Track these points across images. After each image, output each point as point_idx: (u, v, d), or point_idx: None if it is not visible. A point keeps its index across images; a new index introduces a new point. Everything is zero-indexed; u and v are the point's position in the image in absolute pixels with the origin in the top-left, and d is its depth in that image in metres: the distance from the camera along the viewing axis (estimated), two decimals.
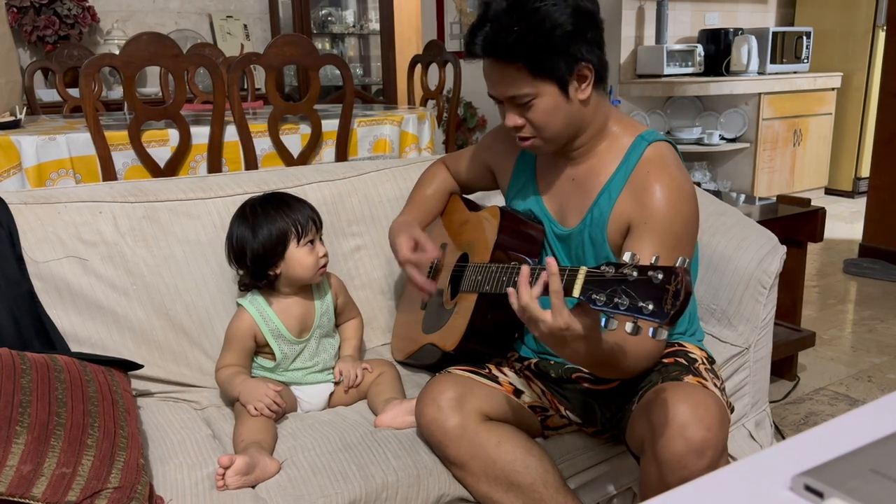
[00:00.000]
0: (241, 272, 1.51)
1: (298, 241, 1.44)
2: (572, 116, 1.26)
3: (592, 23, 1.22)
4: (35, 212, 1.49)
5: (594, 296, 0.94)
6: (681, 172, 1.27)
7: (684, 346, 1.36)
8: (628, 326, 0.91)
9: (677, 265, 0.87)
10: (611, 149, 1.31)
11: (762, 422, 1.73)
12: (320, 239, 1.49)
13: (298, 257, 1.45)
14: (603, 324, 0.94)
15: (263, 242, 1.44)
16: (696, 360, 1.31)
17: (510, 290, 1.08)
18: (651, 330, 0.89)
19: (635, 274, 0.90)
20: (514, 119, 1.27)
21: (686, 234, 1.24)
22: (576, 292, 0.97)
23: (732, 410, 1.52)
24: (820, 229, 2.38)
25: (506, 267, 1.25)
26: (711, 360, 1.37)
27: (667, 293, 0.86)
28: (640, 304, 0.88)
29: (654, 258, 0.92)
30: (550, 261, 1.02)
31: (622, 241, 1.27)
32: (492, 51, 1.23)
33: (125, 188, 1.61)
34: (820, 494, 0.53)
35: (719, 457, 1.13)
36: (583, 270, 0.97)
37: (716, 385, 1.26)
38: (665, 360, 1.31)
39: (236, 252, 1.47)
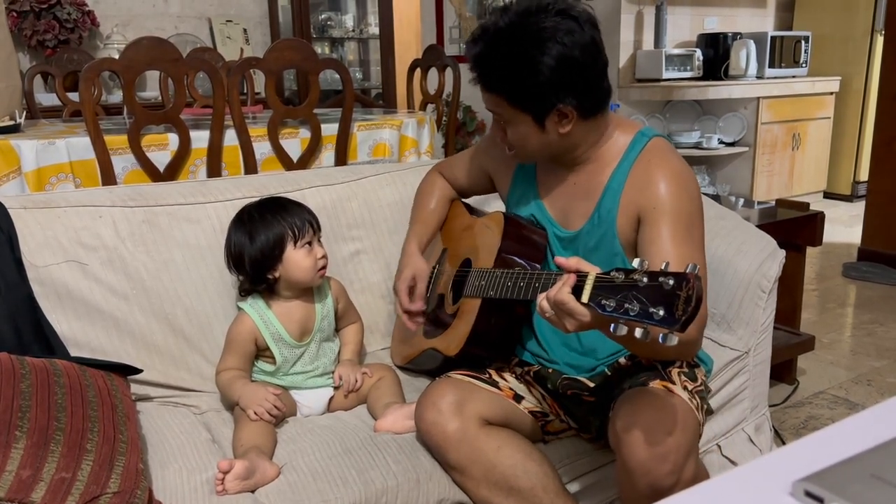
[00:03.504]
0: (240, 278, 1.51)
1: (295, 243, 1.45)
2: (549, 144, 1.30)
3: (579, 72, 1.22)
4: (35, 216, 1.49)
5: (604, 301, 0.94)
6: (680, 161, 1.30)
7: None
8: (638, 332, 0.90)
9: (688, 271, 0.87)
10: (612, 149, 1.33)
11: (762, 426, 1.73)
12: (318, 241, 1.50)
13: (296, 260, 1.45)
14: (612, 329, 0.93)
15: (261, 247, 1.44)
16: (673, 363, 1.32)
17: (540, 295, 1.06)
18: (661, 336, 0.89)
19: (645, 280, 0.90)
20: (496, 130, 1.35)
21: (696, 211, 1.26)
22: (585, 298, 0.97)
23: (710, 413, 1.52)
24: (819, 233, 2.38)
25: (511, 273, 1.25)
26: (694, 364, 1.37)
27: (678, 299, 0.86)
28: (651, 309, 0.88)
29: (664, 264, 0.91)
30: (558, 260, 1.04)
31: (633, 233, 1.28)
32: (477, 72, 1.28)
33: (125, 192, 1.61)
34: (820, 500, 0.53)
35: (684, 461, 1.14)
36: (592, 276, 0.97)
37: (686, 388, 1.26)
38: (644, 363, 1.32)
39: (235, 258, 1.48)
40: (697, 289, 0.86)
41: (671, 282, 0.87)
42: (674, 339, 0.88)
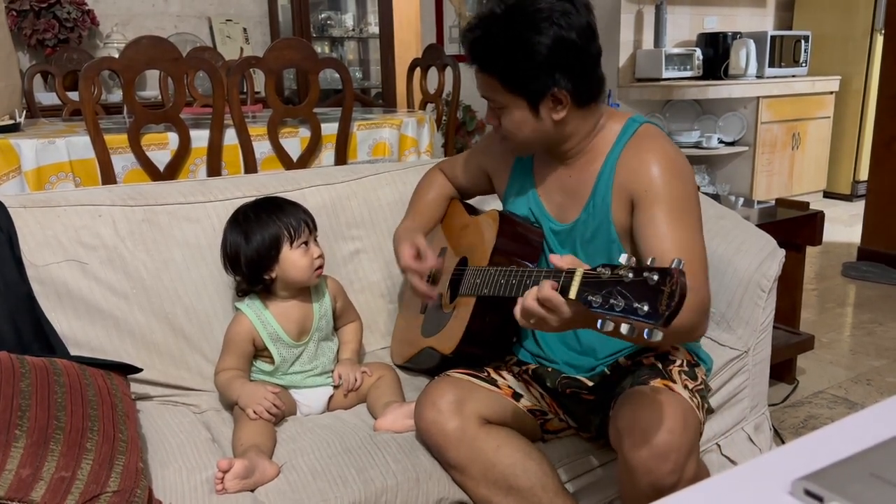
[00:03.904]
0: (237, 278, 1.51)
1: (291, 243, 1.45)
2: (543, 132, 1.30)
3: (575, 54, 1.22)
4: (34, 215, 1.49)
5: (590, 297, 0.93)
6: (671, 144, 1.29)
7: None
8: (624, 328, 0.90)
9: (673, 266, 0.87)
10: (605, 138, 1.33)
11: (761, 425, 1.73)
12: (315, 240, 1.49)
13: (293, 259, 1.45)
14: (599, 325, 0.93)
15: (257, 248, 1.44)
16: (673, 362, 1.32)
17: (520, 299, 1.06)
18: (646, 332, 0.89)
19: (631, 275, 0.90)
20: (490, 118, 1.34)
21: (689, 195, 1.25)
22: (572, 294, 0.97)
23: (711, 412, 1.52)
24: (819, 233, 2.38)
25: (504, 270, 1.25)
26: (695, 363, 1.37)
27: (661, 294, 0.86)
28: (636, 305, 0.88)
29: (650, 259, 0.91)
30: (553, 258, 1.04)
31: (628, 219, 1.28)
32: (473, 55, 1.28)
33: (125, 191, 1.61)
34: (820, 499, 0.53)
35: (685, 459, 1.14)
36: (579, 272, 0.97)
37: (687, 387, 1.26)
38: (644, 362, 1.32)
39: (231, 259, 1.47)
40: (681, 284, 0.85)
41: (655, 277, 0.87)
42: (658, 335, 0.88)
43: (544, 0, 1.21)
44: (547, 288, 0.99)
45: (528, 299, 1.02)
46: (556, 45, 1.20)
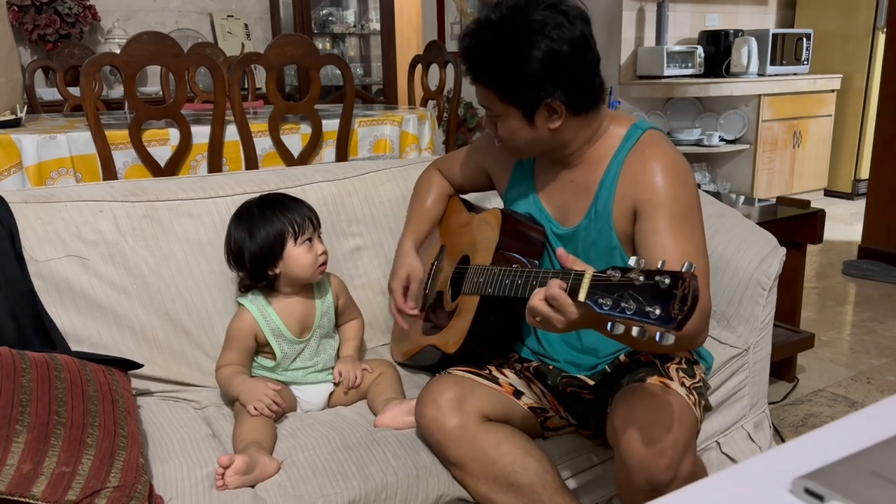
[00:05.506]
0: (241, 274, 1.51)
1: (296, 240, 1.45)
2: (538, 140, 1.30)
3: (567, 67, 1.21)
4: (35, 211, 1.49)
5: (600, 300, 0.93)
6: (675, 151, 1.29)
7: None
8: (635, 331, 0.90)
9: (684, 269, 0.87)
10: (607, 144, 1.33)
11: (761, 423, 1.73)
12: (318, 237, 1.50)
13: (297, 256, 1.45)
14: (609, 328, 0.93)
15: (261, 244, 1.44)
16: (672, 359, 1.32)
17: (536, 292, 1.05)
18: (658, 335, 0.89)
19: (642, 278, 0.89)
20: (488, 125, 1.35)
21: (692, 202, 1.25)
22: (581, 296, 0.96)
23: (709, 409, 1.52)
24: (819, 231, 2.38)
25: (510, 270, 1.25)
26: (693, 361, 1.37)
27: (674, 298, 0.86)
28: (648, 308, 0.88)
29: (660, 263, 0.91)
30: (560, 251, 1.04)
31: (630, 226, 1.28)
32: (468, 65, 1.29)
33: (126, 187, 1.61)
34: (820, 497, 0.53)
35: (681, 456, 1.14)
36: (588, 274, 0.96)
37: (684, 384, 1.26)
38: (643, 359, 1.33)
39: (235, 255, 1.48)
40: (694, 287, 0.85)
41: (667, 280, 0.87)
42: (670, 339, 0.88)
43: (538, 11, 1.20)
44: (555, 287, 0.99)
45: (535, 298, 1.02)
46: (547, 59, 1.20)
